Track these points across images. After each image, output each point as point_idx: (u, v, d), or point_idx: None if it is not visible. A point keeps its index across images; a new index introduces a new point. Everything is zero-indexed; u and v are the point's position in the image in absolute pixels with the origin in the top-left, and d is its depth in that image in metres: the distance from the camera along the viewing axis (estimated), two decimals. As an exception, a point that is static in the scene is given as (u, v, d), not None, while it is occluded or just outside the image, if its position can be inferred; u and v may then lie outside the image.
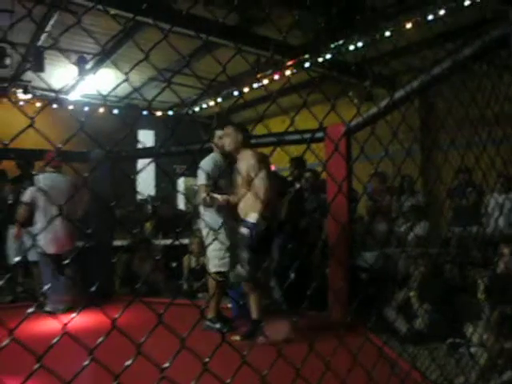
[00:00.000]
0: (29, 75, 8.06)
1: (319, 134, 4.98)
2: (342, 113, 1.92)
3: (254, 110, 9.53)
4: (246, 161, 4.12)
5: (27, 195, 5.37)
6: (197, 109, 9.93)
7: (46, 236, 5.22)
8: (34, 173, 6.32)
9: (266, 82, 7.67)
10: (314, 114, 1.75)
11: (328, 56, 6.70)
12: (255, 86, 8.09)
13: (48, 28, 6.39)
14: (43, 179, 5.45)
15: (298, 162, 6.01)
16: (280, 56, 7.17)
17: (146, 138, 10.85)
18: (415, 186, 6.58)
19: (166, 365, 1.32)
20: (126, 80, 1.37)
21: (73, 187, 5.39)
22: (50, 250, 5.26)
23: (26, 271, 6.21)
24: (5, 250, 6.05)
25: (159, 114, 10.14)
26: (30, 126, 1.23)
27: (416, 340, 3.94)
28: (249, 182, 4.02)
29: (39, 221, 5.35)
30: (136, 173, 8.93)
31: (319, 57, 6.69)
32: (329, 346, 1.85)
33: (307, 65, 6.89)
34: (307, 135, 4.97)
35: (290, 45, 6.67)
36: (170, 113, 10.41)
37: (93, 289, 1.49)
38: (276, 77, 7.53)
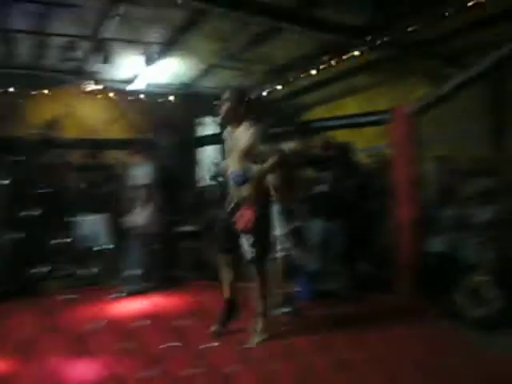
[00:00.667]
0: (98, 67, 8.32)
1: (384, 116, 4.90)
2: (407, 94, 1.89)
3: (311, 94, 9.46)
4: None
5: (146, 178, 5.69)
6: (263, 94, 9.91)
7: (142, 218, 5.61)
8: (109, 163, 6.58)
9: (328, 65, 7.59)
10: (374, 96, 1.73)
11: (393, 36, 6.50)
12: (313, 72, 8.01)
13: (114, 20, 6.56)
14: (145, 167, 5.77)
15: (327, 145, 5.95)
16: (343, 38, 7.02)
17: (211, 124, 10.94)
18: (486, 168, 6.33)
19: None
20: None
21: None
22: (144, 230, 5.61)
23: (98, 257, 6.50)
24: (77, 236, 6.34)
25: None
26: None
27: (487, 325, 3.84)
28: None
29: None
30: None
31: (384, 37, 6.50)
32: (404, 331, 1.84)
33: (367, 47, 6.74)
34: (373, 117, 4.90)
35: (353, 26, 6.53)
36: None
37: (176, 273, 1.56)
38: (339, 59, 7.40)
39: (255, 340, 3.77)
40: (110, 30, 6.81)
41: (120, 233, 6.12)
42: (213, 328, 3.93)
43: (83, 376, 2.32)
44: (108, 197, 6.41)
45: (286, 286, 4.69)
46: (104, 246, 6.24)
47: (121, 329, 1.17)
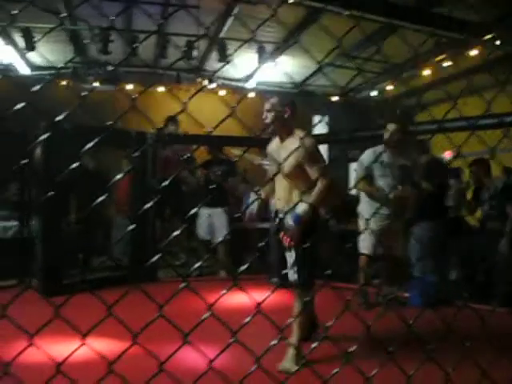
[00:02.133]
0: (212, 65, 8.60)
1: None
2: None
3: (426, 94, 9.10)
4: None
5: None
6: (374, 93, 9.72)
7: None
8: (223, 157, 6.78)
9: (448, 63, 7.27)
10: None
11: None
12: (429, 71, 7.71)
13: (229, 20, 6.76)
14: None
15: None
16: (462, 35, 6.69)
17: (321, 122, 10.90)
18: None
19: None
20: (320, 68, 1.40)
21: None
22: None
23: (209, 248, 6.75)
24: (195, 227, 6.63)
25: (334, 99, 10.11)
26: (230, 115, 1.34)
27: None
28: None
29: None
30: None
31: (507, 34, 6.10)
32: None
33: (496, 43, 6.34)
34: (493, 120, 4.62)
35: (473, 22, 6.20)
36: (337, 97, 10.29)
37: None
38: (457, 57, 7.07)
39: (286, 367, 3.26)
40: (225, 29, 7.02)
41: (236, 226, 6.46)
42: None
43: (196, 364, 2.40)
44: (227, 191, 6.65)
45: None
46: (221, 239, 6.43)
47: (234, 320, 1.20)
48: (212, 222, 6.57)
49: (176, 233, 1.60)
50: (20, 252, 5.90)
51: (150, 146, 6.17)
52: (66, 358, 1.29)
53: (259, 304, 1.42)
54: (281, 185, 3.46)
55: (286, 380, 1.61)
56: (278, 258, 3.75)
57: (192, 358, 2.42)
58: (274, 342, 1.54)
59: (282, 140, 3.50)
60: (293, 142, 3.35)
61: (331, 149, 9.36)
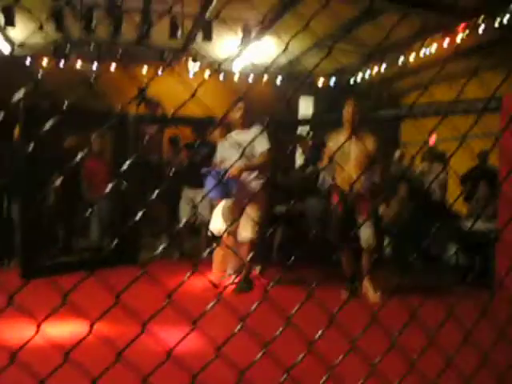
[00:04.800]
0: (196, 45, 8.48)
1: (492, 104, 4.59)
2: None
3: (416, 77, 9.03)
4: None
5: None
6: (358, 78, 9.67)
7: None
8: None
9: (434, 47, 7.22)
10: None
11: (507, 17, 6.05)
12: (422, 52, 7.64)
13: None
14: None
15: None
16: (450, 19, 6.64)
17: (306, 104, 10.88)
18: None
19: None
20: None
21: None
22: None
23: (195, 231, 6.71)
24: (178, 210, 6.58)
25: (320, 82, 10.05)
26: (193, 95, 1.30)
27: None
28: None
29: None
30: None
31: (496, 18, 6.07)
32: None
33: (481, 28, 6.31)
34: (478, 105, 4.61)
35: (462, 6, 6.15)
36: (332, 81, 10.22)
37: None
38: (445, 42, 7.02)
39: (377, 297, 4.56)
40: (210, 8, 6.92)
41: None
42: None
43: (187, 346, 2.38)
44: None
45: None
46: (204, 220, 6.33)
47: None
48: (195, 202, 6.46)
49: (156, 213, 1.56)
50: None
51: (132, 126, 6.07)
52: (21, 347, 1.25)
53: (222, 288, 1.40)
54: (351, 169, 4.49)
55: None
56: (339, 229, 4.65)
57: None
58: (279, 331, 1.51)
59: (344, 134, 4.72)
60: (359, 139, 4.57)
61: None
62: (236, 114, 4.93)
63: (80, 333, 1.24)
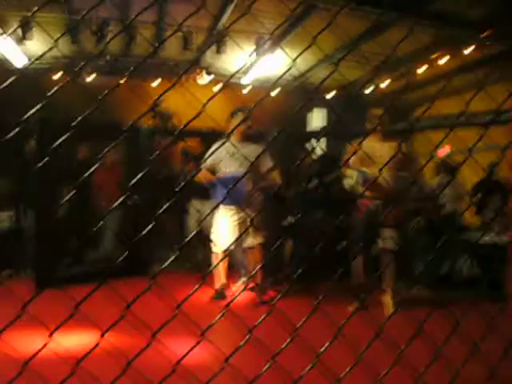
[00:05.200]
0: (209, 59, 8.54)
1: (503, 117, 4.58)
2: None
3: (423, 91, 9.02)
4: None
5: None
6: (368, 90, 9.67)
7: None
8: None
9: (442, 61, 7.22)
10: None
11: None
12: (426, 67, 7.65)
13: (227, 13, 6.72)
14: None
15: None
16: (458, 32, 6.63)
17: (319, 115, 10.85)
18: None
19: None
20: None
21: None
22: None
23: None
24: (187, 221, 6.60)
25: (330, 94, 10.06)
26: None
27: None
28: None
29: None
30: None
31: (504, 32, 6.05)
32: None
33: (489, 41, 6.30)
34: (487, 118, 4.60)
35: (470, 20, 6.15)
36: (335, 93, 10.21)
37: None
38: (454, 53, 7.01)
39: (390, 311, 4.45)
40: (223, 21, 6.98)
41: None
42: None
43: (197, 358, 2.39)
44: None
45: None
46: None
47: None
48: (203, 214, 6.46)
49: (169, 226, 1.59)
50: (14, 243, 5.90)
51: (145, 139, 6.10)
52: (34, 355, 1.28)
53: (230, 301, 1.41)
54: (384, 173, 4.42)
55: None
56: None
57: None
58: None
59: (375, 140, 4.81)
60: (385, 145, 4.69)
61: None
62: (234, 124, 4.87)
63: (89, 343, 1.26)
